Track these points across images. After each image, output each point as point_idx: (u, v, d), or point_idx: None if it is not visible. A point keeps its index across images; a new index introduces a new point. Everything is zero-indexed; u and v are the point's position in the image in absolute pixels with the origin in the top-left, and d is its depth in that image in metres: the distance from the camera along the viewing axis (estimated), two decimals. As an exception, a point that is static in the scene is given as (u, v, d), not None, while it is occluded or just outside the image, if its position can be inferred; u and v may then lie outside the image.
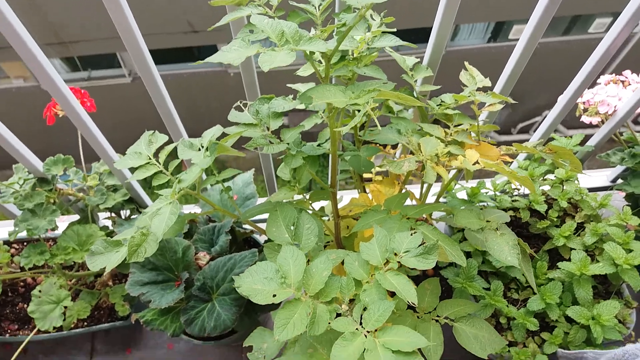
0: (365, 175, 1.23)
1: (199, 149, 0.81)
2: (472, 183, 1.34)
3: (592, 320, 1.09)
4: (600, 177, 1.61)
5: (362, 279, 0.68)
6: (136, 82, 5.65)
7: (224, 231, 1.20)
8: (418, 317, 0.83)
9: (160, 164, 0.81)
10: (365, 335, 0.61)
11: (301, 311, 0.61)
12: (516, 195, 1.34)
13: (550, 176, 1.36)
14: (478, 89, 0.98)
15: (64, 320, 1.30)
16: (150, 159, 0.81)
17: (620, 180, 1.52)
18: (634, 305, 1.19)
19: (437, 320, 0.83)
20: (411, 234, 0.69)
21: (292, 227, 0.75)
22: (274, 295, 0.61)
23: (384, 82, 0.66)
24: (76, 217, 1.40)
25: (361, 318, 0.64)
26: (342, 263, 0.74)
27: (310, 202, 0.95)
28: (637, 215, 1.28)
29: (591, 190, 1.59)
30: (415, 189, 1.65)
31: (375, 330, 0.62)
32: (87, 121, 1.02)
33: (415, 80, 0.93)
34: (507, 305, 1.17)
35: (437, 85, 1.03)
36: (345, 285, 0.66)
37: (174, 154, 0.88)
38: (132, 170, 0.84)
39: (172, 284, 1.17)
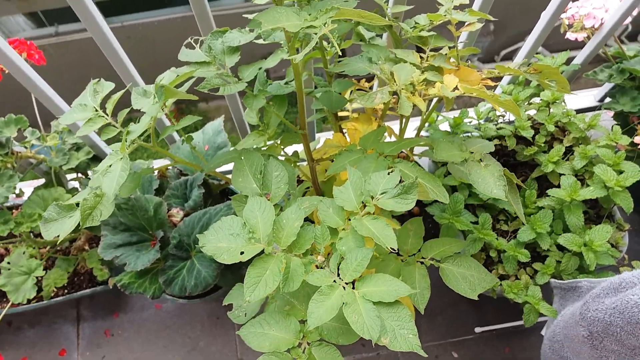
0: (341, 113, 1.15)
1: (154, 97, 0.73)
2: (455, 113, 1.27)
3: (585, 247, 1.05)
4: (587, 97, 1.55)
5: (338, 227, 0.62)
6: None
7: (196, 184, 1.13)
8: (402, 260, 0.79)
9: (108, 115, 0.73)
10: (344, 287, 0.56)
11: (273, 267, 0.55)
12: (501, 123, 1.28)
13: (536, 99, 1.29)
14: (455, 7, 0.89)
15: (40, 290, 1.25)
16: (97, 110, 0.73)
17: (608, 99, 1.46)
18: (626, 228, 1.16)
19: (422, 263, 0.78)
20: (388, 174, 0.63)
21: (259, 176, 0.68)
22: (242, 253, 0.55)
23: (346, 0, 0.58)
24: (43, 181, 1.32)
25: (338, 269, 0.58)
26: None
27: (282, 146, 0.88)
28: (627, 134, 1.23)
29: (578, 111, 1.53)
30: (394, 125, 1.59)
31: (354, 281, 0.56)
32: (31, 75, 0.93)
33: (386, 1, 0.84)
34: (497, 238, 1.13)
35: (411, 5, 0.94)
36: (320, 235, 0.60)
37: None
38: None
39: (147, 244, 1.11)
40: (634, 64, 1.23)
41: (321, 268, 0.60)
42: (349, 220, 0.63)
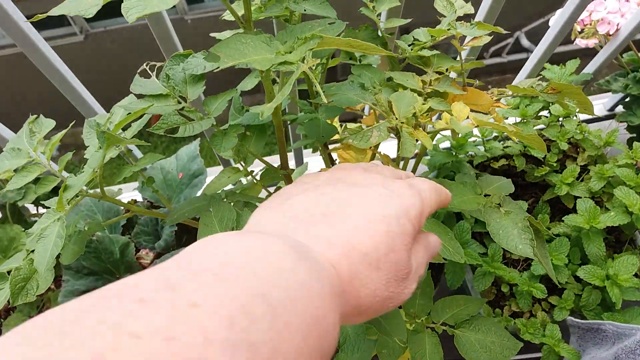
0: (333, 138, 1.03)
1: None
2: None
3: (608, 281, 0.94)
4: (596, 105, 1.43)
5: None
6: (89, 40, 5.24)
7: (168, 221, 1.00)
8: (409, 326, 0.66)
9: (47, 160, 0.60)
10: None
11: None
12: (508, 140, 1.16)
13: (545, 112, 1.17)
14: (458, 19, 0.77)
15: None
16: (31, 156, 0.60)
17: (619, 108, 1.35)
18: (650, 255, 1.04)
19: (432, 329, 0.65)
20: None
21: None
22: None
23: (331, 21, 0.45)
24: None
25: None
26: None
27: (262, 184, 0.75)
28: (645, 151, 1.12)
29: (587, 122, 1.41)
30: (391, 148, 1.47)
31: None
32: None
33: (379, 14, 0.72)
34: (509, 271, 1.01)
35: (408, 17, 0.82)
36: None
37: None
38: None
39: (115, 289, 0.98)
40: (652, 73, 1.12)
41: None
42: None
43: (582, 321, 0.93)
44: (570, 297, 0.98)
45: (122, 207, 1.09)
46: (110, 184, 0.68)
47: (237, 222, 0.56)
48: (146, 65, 0.60)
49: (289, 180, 0.69)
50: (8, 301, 1.17)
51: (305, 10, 0.52)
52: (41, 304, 1.22)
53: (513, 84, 0.77)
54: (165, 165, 1.11)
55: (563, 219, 1.00)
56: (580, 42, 1.16)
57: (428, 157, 1.10)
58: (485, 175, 0.66)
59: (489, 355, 0.63)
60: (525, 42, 5.40)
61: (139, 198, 1.23)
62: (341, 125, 1.04)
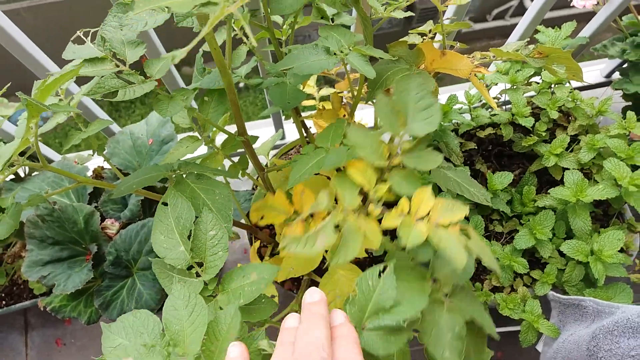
0: (306, 102, 0.97)
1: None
2: (442, 98, 1.10)
3: (592, 256, 0.90)
4: (592, 72, 1.36)
5: None
6: (33, 10, 5.12)
7: (135, 189, 0.96)
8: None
9: (-19, 127, 0.55)
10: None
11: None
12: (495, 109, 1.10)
13: (536, 78, 1.11)
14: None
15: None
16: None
17: (616, 75, 1.29)
18: (638, 230, 1.01)
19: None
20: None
21: (189, 237, 0.50)
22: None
23: None
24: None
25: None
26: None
27: (225, 153, 0.70)
28: (641, 120, 1.06)
29: (582, 89, 1.35)
30: (369, 112, 1.40)
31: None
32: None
33: (350, -31, 0.65)
34: (491, 244, 0.98)
35: None
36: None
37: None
38: None
39: (81, 258, 0.95)
40: (651, 37, 1.05)
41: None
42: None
43: (564, 296, 0.90)
44: (552, 272, 0.94)
45: (90, 174, 1.05)
46: (60, 151, 0.64)
47: (196, 225, 0.51)
48: (80, 32, 0.54)
49: (248, 148, 0.64)
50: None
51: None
52: (12, 272, 1.19)
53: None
54: (135, 131, 1.06)
55: (549, 191, 0.95)
56: (578, 4, 1.09)
57: (411, 125, 1.04)
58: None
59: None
60: (529, 5, 5.24)
61: (107, 165, 1.18)
62: (319, 90, 0.99)
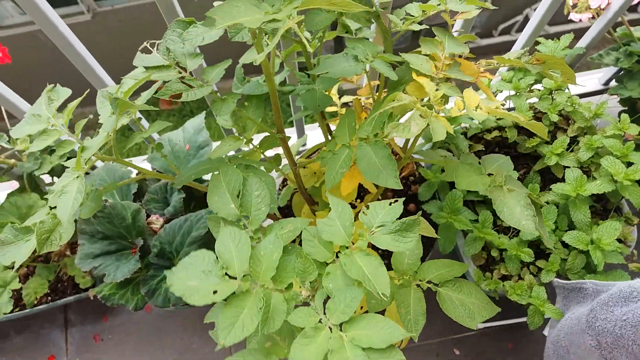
0: (331, 109, 1.08)
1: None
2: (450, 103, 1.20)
3: (592, 245, 0.99)
4: (591, 80, 1.46)
5: (326, 259, 0.55)
6: (96, 19, 5.29)
7: (176, 188, 1.07)
8: (397, 281, 0.72)
9: (65, 126, 0.66)
10: (331, 329, 0.50)
11: (251, 306, 0.48)
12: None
13: (538, 86, 1.21)
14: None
15: (19, 302, 1.20)
16: (50, 121, 0.65)
17: (613, 83, 1.38)
18: (635, 222, 1.09)
19: (418, 285, 0.71)
20: (390, 204, 0.56)
21: (238, 196, 0.61)
22: (215, 292, 0.48)
23: None
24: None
25: (324, 307, 0.52)
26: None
27: (262, 151, 0.80)
28: (635, 122, 1.16)
29: (582, 96, 1.45)
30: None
31: (342, 324, 0.50)
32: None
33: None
34: (499, 237, 1.07)
35: None
36: (303, 270, 0.54)
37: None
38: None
39: (127, 252, 1.05)
40: (643, 46, 1.15)
41: (306, 304, 0.53)
42: (337, 253, 0.56)
43: (567, 281, 0.98)
44: (556, 261, 1.03)
45: (134, 173, 1.16)
46: (122, 150, 0.74)
47: (243, 186, 0.61)
48: (147, 43, 0.65)
49: (284, 144, 0.75)
50: (27, 267, 1.24)
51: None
52: (58, 269, 1.30)
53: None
54: (172, 138, 1.17)
55: (552, 187, 1.05)
56: (574, 17, 1.19)
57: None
58: (487, 156, 0.71)
59: (467, 314, 0.69)
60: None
61: (149, 168, 1.29)
62: (340, 98, 1.09)
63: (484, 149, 1.16)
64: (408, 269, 0.73)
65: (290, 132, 1.42)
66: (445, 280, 0.72)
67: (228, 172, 0.64)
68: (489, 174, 0.67)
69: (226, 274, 0.50)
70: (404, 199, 0.59)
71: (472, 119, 1.16)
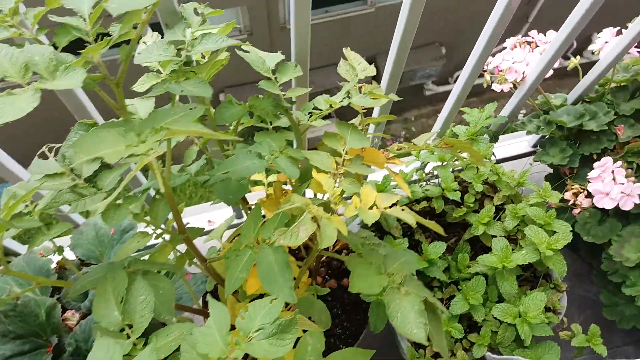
0: (256, 189, 1.07)
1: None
2: (379, 176, 1.21)
3: (519, 319, 0.98)
4: (521, 142, 1.51)
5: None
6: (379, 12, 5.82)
7: (94, 280, 1.02)
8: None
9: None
10: None
11: None
12: (428, 185, 1.22)
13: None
14: (360, 81, 0.83)
15: None
16: None
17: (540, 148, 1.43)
18: (564, 289, 1.10)
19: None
20: (270, 302, 0.54)
21: (121, 302, 0.58)
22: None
23: (192, 107, 0.49)
24: None
25: None
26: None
27: (172, 247, 0.78)
28: (559, 188, 1.19)
29: (513, 158, 1.49)
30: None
31: None
32: None
33: (281, 86, 0.76)
34: (431, 310, 1.05)
35: (312, 86, 0.86)
36: (180, 389, 0.51)
37: None
38: None
39: (43, 351, 0.98)
40: (560, 115, 1.19)
41: None
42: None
43: (498, 356, 0.97)
44: (487, 334, 1.02)
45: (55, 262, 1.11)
46: (30, 248, 0.71)
47: (127, 291, 0.59)
48: (45, 148, 0.63)
49: (189, 243, 0.72)
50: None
51: (182, 91, 0.56)
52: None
53: (417, 137, 0.83)
54: (98, 222, 1.13)
55: (477, 259, 1.05)
56: (496, 87, 1.23)
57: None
58: (393, 252, 0.70)
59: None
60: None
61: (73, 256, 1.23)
62: (267, 177, 1.08)
63: (414, 220, 1.16)
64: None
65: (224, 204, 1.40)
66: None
67: (116, 277, 0.61)
68: (388, 277, 0.65)
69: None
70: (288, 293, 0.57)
71: (400, 191, 1.17)
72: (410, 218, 0.58)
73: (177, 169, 0.86)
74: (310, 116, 0.74)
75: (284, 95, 0.74)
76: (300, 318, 0.63)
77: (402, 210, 0.62)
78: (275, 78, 0.76)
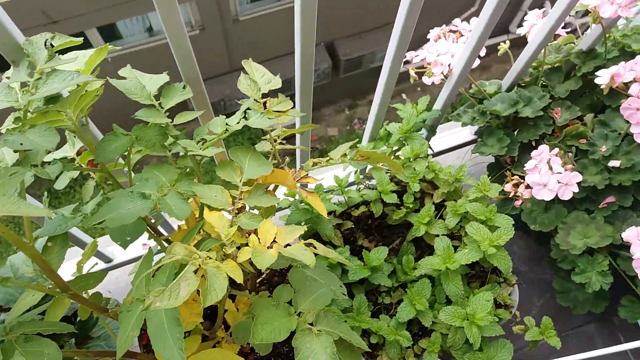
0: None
1: None
2: (311, 185, 1.15)
3: (467, 322, 0.95)
4: (462, 131, 1.47)
5: None
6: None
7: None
8: None
9: None
10: None
11: None
12: (366, 187, 1.17)
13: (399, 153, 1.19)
14: (264, 95, 0.76)
15: None
16: None
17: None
18: (514, 282, 1.07)
19: None
20: None
21: None
22: None
23: (12, 173, 0.42)
24: None
25: None
26: None
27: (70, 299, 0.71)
28: (499, 180, 1.15)
29: (456, 147, 1.45)
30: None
31: None
32: None
33: (167, 112, 0.69)
34: (377, 320, 1.01)
35: (201, 110, 0.79)
36: None
37: None
38: None
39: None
40: (494, 103, 1.15)
41: None
42: None
43: (448, 364, 0.93)
44: (437, 339, 0.99)
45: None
46: None
47: None
48: None
49: (78, 298, 0.66)
50: None
51: (22, 144, 0.49)
52: None
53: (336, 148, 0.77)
54: (15, 262, 1.05)
55: (420, 262, 1.01)
56: (427, 80, 1.18)
57: (288, 214, 1.08)
58: (306, 286, 0.64)
59: None
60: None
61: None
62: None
63: (353, 225, 1.12)
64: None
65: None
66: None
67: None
68: (297, 316, 0.60)
69: None
70: None
71: (337, 197, 1.12)
72: (308, 259, 0.52)
73: (71, 210, 0.78)
74: (204, 142, 0.68)
75: (171, 122, 0.67)
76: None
77: (306, 246, 0.56)
78: (160, 104, 0.69)
